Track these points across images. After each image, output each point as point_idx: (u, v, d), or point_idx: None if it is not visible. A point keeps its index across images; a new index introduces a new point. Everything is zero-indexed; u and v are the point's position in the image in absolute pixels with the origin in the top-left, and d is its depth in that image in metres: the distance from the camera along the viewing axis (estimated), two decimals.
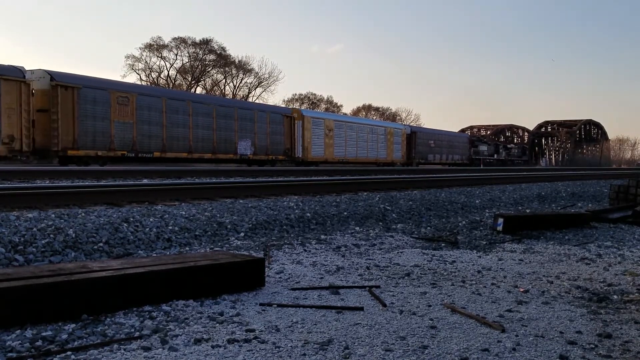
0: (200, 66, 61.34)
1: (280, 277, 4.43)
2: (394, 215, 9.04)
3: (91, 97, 20.38)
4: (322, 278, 4.47)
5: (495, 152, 57.76)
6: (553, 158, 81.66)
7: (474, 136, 63.17)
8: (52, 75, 19.65)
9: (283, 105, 59.43)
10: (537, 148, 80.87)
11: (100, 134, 20.62)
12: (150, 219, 6.45)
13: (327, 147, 33.07)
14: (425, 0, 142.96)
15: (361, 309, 3.54)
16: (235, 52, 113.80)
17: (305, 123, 31.47)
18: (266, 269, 4.48)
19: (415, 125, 63.43)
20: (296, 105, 69.99)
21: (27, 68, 18.89)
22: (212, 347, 2.78)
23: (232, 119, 26.41)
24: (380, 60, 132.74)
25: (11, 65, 18.71)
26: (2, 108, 17.65)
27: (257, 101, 58.69)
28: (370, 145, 37.46)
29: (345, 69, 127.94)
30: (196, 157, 24.60)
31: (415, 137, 43.20)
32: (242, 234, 6.70)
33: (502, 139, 73.57)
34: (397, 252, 5.81)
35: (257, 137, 27.77)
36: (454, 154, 48.45)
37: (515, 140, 76.70)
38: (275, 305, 3.57)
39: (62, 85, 19.54)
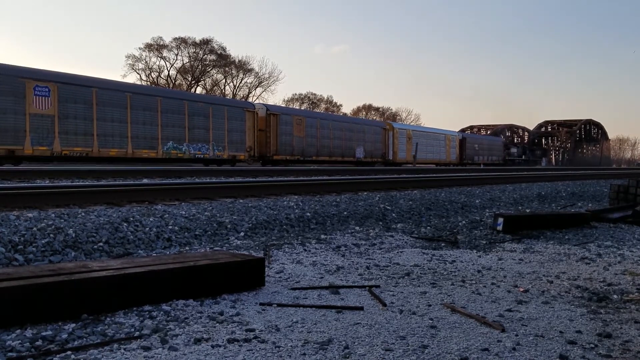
0: (200, 66, 61.34)
1: (280, 277, 4.43)
2: (393, 215, 9.04)
3: (284, 121, 30.89)
4: (322, 278, 4.47)
5: (523, 154, 67.43)
6: (553, 158, 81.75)
7: (513, 140, 74.28)
8: (267, 107, 30.85)
9: (282, 105, 60.03)
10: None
11: (288, 144, 31.11)
12: (150, 219, 6.45)
13: (407, 152, 42.19)
14: (427, 1, 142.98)
15: (361, 308, 3.54)
16: (236, 52, 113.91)
17: (395, 133, 40.80)
18: (266, 268, 4.48)
19: (415, 124, 66.42)
20: (296, 105, 70.29)
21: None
22: (212, 346, 2.78)
23: (352, 132, 36.73)
24: (382, 60, 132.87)
25: (248, 102, 34.01)
26: (246, 129, 28.54)
27: (258, 101, 58.92)
28: (436, 149, 46.69)
29: (346, 69, 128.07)
30: (333, 160, 34.94)
31: (465, 142, 51.91)
32: (242, 234, 6.70)
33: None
34: (397, 252, 5.81)
35: (366, 144, 37.89)
36: (492, 156, 57.28)
37: (516, 140, 77.62)
38: (275, 305, 3.57)
39: (272, 114, 30.24)
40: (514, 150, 65.67)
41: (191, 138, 25.28)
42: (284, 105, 51.01)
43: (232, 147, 27.67)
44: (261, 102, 32.27)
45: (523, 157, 66.75)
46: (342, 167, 32.78)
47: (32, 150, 19.46)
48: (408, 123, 72.36)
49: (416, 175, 18.00)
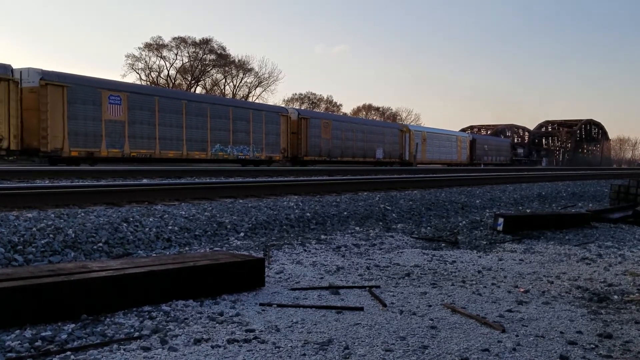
0: (200, 66, 61.30)
1: (280, 277, 4.43)
2: (394, 215, 9.03)
3: (313, 124, 33.52)
4: (322, 278, 4.46)
5: (529, 154, 70.37)
6: (553, 158, 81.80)
7: (513, 140, 76.60)
8: (299, 112, 34.04)
9: (282, 105, 60.36)
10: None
11: (317, 146, 33.64)
12: (150, 219, 6.44)
13: (423, 153, 44.68)
14: (427, 1, 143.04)
15: (361, 309, 3.54)
16: (236, 52, 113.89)
17: (411, 135, 43.09)
18: (266, 269, 4.47)
19: (414, 124, 67.44)
20: (296, 105, 70.34)
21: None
22: (212, 347, 2.78)
23: (373, 134, 39.35)
24: (382, 60, 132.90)
25: (282, 106, 35.71)
26: (281, 132, 31.02)
27: (257, 101, 59.00)
28: (448, 150, 49.05)
29: (346, 69, 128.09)
30: (356, 160, 37.62)
31: (475, 143, 53.91)
32: (242, 234, 6.70)
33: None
34: (397, 252, 5.81)
35: (385, 146, 40.55)
36: (500, 156, 59.33)
37: (516, 140, 77.90)
38: (275, 305, 3.56)
39: (303, 118, 32.98)
40: (520, 150, 68.26)
41: (235, 141, 28.03)
42: (284, 106, 52.01)
43: (269, 148, 30.29)
44: (294, 107, 36.15)
45: (529, 157, 69.36)
46: (365, 167, 35.77)
47: (107, 153, 21.85)
48: (409, 123, 72.81)
49: (416, 175, 17.99)
